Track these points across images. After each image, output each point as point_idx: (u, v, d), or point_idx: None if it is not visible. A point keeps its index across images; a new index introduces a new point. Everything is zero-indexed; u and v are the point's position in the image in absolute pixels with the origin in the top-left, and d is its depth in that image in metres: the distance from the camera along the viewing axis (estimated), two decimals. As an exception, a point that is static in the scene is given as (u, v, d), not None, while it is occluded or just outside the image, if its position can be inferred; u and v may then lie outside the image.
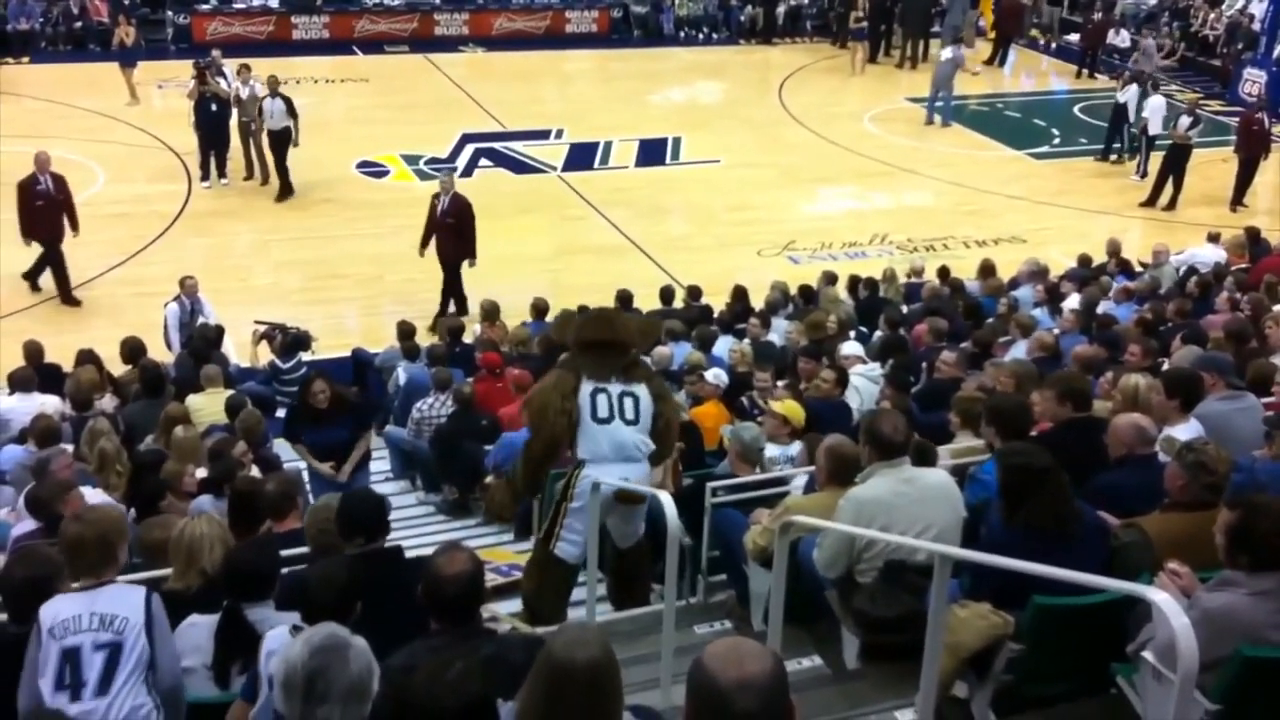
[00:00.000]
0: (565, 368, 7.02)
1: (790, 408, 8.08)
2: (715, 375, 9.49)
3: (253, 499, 5.90)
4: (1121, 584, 4.05)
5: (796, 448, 7.68)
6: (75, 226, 14.29)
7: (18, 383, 9.95)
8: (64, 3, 24.97)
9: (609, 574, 7.20)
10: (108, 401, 9.90)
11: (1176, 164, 18.87)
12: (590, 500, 6.55)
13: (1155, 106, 19.65)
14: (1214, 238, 15.31)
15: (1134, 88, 20.43)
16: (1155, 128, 19.54)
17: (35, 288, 14.49)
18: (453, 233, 14.16)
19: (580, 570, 7.01)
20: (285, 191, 17.66)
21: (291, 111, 17.30)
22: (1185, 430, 6.39)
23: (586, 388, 6.64)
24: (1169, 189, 18.89)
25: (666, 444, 7.01)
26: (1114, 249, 14.72)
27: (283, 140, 17.41)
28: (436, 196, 14.42)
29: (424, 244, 14.39)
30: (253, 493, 6.00)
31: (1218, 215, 18.12)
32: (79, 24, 24.81)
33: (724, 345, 11.13)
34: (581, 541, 6.76)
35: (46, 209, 14.02)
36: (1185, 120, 18.88)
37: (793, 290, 13.41)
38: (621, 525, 6.97)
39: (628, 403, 6.67)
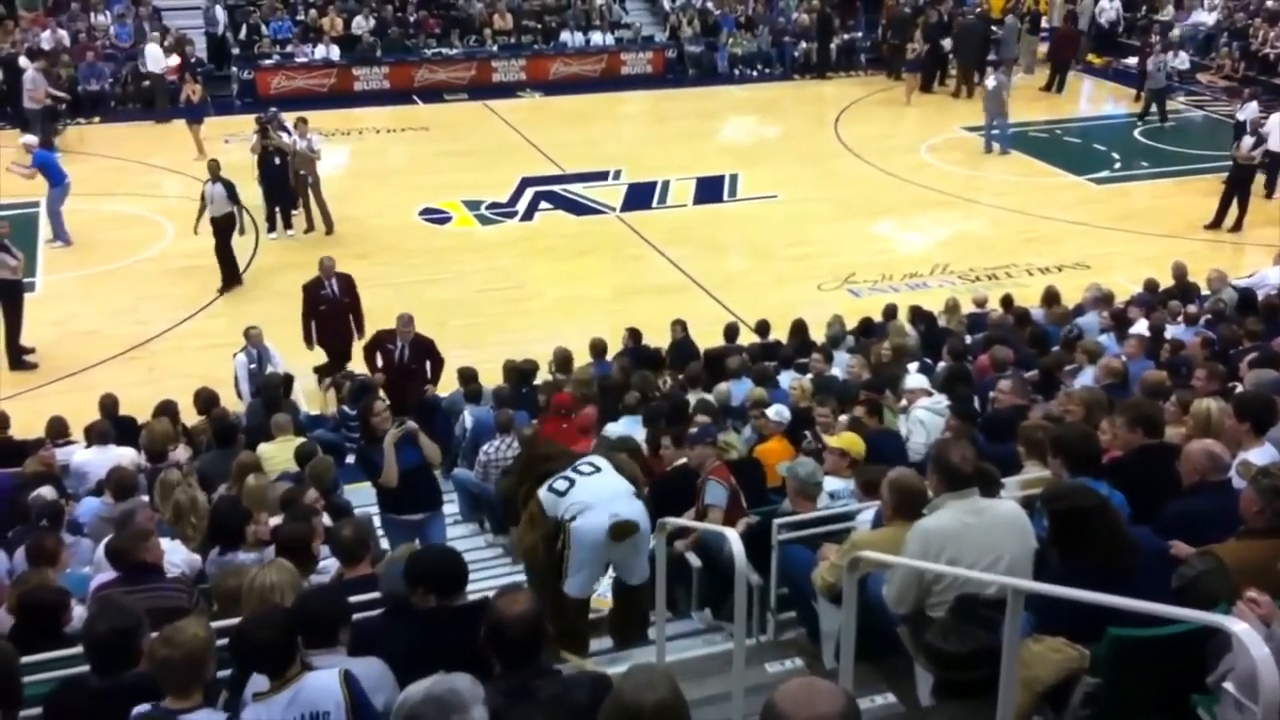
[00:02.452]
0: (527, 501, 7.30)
1: (849, 440, 8.05)
2: (777, 412, 9.47)
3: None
4: (1199, 614, 3.99)
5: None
6: (360, 329, 13.63)
7: (95, 436, 10.18)
8: (132, 63, 25.61)
9: (615, 608, 7.43)
10: (181, 453, 10.08)
11: (1240, 185, 18.63)
12: (587, 545, 6.83)
13: (1276, 123, 19.09)
14: (1285, 259, 15.05)
15: (1254, 105, 20.10)
16: (1276, 144, 19.03)
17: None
18: (416, 377, 12.60)
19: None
20: (230, 281, 16.50)
21: (233, 197, 16.30)
22: (1261, 454, 6.29)
23: (547, 485, 7.06)
24: (1234, 210, 18.65)
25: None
26: (1180, 273, 14.52)
27: (225, 226, 16.33)
28: (391, 336, 12.63)
29: (369, 364, 12.73)
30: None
31: (1286, 235, 17.84)
32: (146, 83, 25.41)
33: (786, 380, 11.11)
34: (583, 576, 6.95)
35: (330, 314, 13.58)
36: (1249, 140, 18.62)
37: (851, 324, 13.35)
38: (630, 558, 7.09)
39: (589, 460, 7.18)
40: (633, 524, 6.85)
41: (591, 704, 3.87)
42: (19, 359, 14.25)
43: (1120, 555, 4.85)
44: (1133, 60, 28.26)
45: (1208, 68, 28.58)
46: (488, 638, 3.99)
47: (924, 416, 9.13)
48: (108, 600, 5.29)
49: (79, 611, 6.04)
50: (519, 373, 12.12)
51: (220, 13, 26.63)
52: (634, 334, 13.18)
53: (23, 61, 23.17)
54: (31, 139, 19.16)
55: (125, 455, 9.78)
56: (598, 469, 7.11)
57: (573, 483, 6.98)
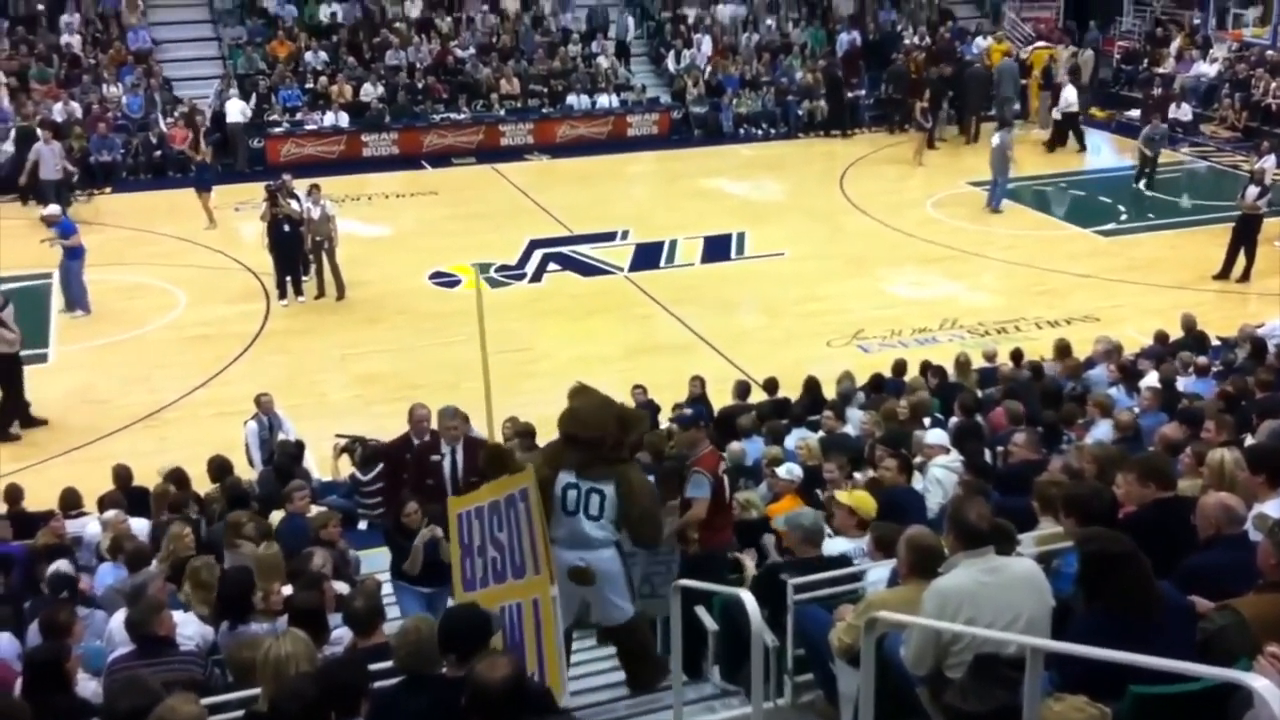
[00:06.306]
0: (546, 452, 7.41)
1: (859, 499, 7.98)
2: (788, 470, 9.43)
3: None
4: (1219, 671, 3.97)
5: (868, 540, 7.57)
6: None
7: (108, 506, 10.18)
8: (144, 134, 25.90)
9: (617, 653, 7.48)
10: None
11: (1247, 235, 18.67)
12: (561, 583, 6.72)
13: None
14: (1295, 309, 15.04)
15: (1272, 157, 20.19)
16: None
17: None
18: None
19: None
20: (21, 422, 14.35)
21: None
22: (1276, 507, 6.25)
23: (562, 479, 6.95)
24: (1241, 260, 18.68)
25: (644, 533, 7.16)
26: (1189, 324, 14.51)
27: (9, 366, 14.25)
28: (435, 441, 10.34)
29: None
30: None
31: (1294, 285, 17.84)
32: (158, 153, 25.69)
33: (795, 438, 11.08)
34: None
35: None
36: (1253, 190, 18.69)
37: (861, 380, 13.33)
38: (595, 605, 7.11)
39: (594, 499, 6.96)
40: (590, 574, 6.90)
41: None
42: (4, 432, 14.19)
43: (1148, 608, 4.81)
44: (1135, 113, 28.41)
45: (1210, 119, 28.73)
46: (470, 705, 3.95)
47: (940, 475, 9.04)
48: (130, 679, 5.27)
49: (93, 687, 6.03)
50: (523, 434, 12.09)
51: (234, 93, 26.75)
52: (642, 391, 13.15)
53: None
54: (54, 210, 19.14)
55: (138, 526, 9.78)
56: (601, 494, 7.00)
57: (575, 509, 6.96)
